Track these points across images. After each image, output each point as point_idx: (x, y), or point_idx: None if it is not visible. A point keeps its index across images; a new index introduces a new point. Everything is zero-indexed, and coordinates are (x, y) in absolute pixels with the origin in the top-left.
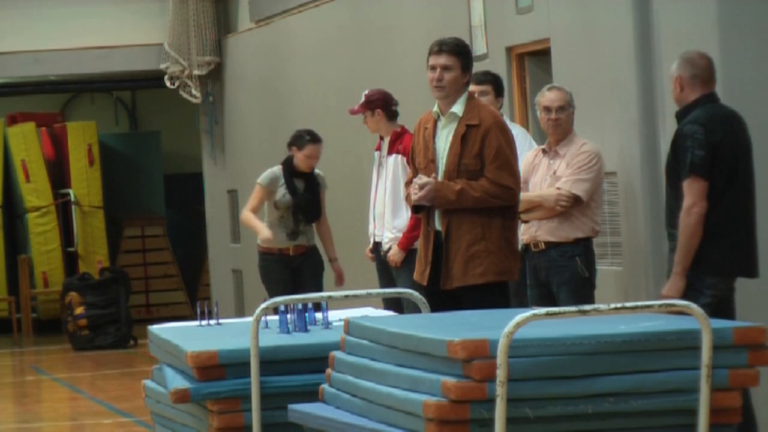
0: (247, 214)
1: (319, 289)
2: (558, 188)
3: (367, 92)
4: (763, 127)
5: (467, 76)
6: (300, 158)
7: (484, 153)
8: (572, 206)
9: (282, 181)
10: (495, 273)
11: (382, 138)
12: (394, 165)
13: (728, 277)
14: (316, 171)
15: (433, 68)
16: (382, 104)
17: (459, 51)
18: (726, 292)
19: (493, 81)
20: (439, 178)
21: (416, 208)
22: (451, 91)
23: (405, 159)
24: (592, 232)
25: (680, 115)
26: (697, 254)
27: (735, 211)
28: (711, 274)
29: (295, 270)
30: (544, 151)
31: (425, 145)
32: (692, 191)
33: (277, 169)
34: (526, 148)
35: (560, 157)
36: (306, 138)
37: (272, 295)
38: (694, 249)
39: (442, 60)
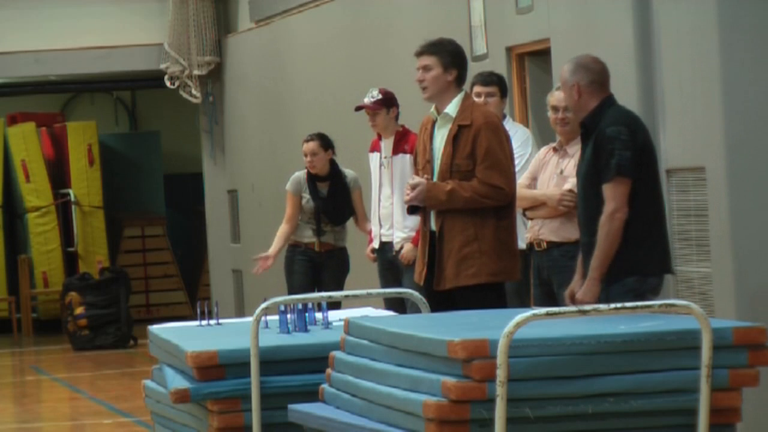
0: (280, 230)
1: (340, 290)
2: (563, 191)
3: (379, 89)
4: (763, 126)
5: (453, 74)
6: None
7: (475, 153)
8: (576, 207)
9: (306, 185)
10: (488, 274)
11: (380, 138)
12: (401, 164)
13: (663, 275)
14: (346, 171)
15: (417, 70)
16: (396, 102)
17: (436, 49)
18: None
19: (498, 82)
20: (434, 179)
21: (411, 209)
22: (435, 90)
23: (413, 158)
24: None
25: (588, 122)
26: (635, 257)
27: (661, 211)
28: (653, 275)
29: (318, 266)
30: (554, 149)
31: (424, 146)
32: (617, 194)
33: (301, 173)
34: (527, 148)
35: (569, 156)
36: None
37: (290, 286)
38: (613, 255)
39: (422, 61)
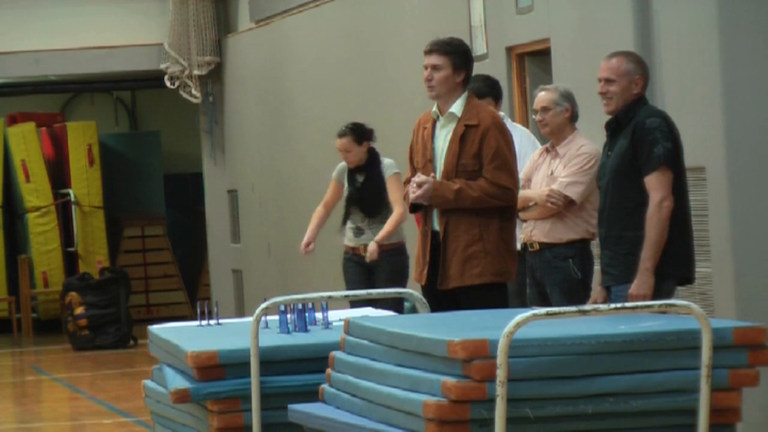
0: (315, 212)
1: None
2: (551, 188)
3: None
4: (763, 126)
5: (462, 75)
6: None
7: (483, 153)
8: (566, 208)
9: (346, 174)
10: (492, 274)
11: None
12: None
13: (679, 281)
14: (386, 160)
15: (425, 68)
16: None
17: (448, 50)
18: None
19: (491, 92)
20: (438, 178)
21: (413, 207)
22: (443, 91)
23: (408, 156)
24: (586, 233)
25: (621, 117)
26: (667, 252)
27: (686, 212)
28: (670, 278)
29: (370, 269)
30: (547, 150)
31: (423, 144)
32: (662, 184)
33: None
34: (530, 149)
35: (559, 157)
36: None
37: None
38: (663, 245)
39: (432, 60)
